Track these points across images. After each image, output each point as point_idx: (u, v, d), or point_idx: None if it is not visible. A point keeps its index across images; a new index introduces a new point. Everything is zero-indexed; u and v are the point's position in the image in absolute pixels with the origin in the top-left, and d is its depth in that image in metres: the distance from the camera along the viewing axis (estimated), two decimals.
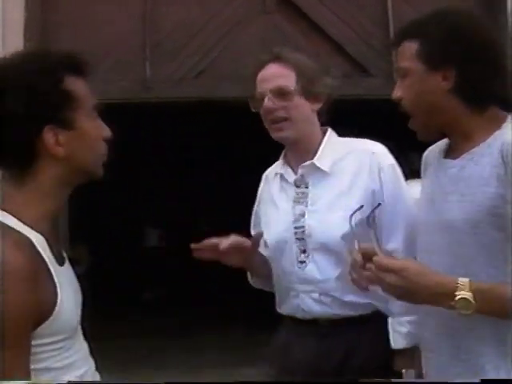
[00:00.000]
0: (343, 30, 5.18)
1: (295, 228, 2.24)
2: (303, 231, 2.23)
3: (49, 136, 1.47)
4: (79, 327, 1.58)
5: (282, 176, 2.34)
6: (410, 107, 1.79)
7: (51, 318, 1.42)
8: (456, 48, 1.71)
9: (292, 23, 5.17)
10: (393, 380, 1.94)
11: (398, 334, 2.20)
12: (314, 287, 2.22)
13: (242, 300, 6.28)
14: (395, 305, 2.16)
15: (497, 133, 1.70)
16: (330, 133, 2.34)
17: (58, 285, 1.45)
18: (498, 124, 1.71)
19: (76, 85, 1.53)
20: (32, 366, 1.42)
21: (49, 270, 1.45)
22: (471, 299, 1.55)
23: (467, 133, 1.75)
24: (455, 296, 1.56)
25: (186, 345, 6.70)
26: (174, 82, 5.03)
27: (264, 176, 2.48)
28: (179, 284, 9.10)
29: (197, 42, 5.08)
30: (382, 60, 5.08)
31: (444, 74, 1.72)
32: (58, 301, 1.44)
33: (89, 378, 1.56)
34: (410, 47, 1.76)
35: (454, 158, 1.77)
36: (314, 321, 2.25)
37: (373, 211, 1.87)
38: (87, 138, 1.53)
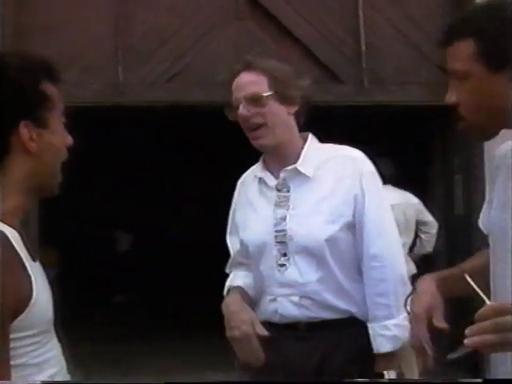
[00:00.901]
0: (314, 36, 5.23)
1: (276, 231, 2.25)
2: (284, 234, 2.24)
3: (24, 131, 1.52)
4: (52, 325, 1.59)
5: (261, 180, 2.35)
6: (471, 114, 1.60)
7: (26, 310, 1.45)
8: None
9: (264, 29, 5.21)
10: (393, 380, 1.94)
11: (383, 337, 2.22)
12: (294, 290, 2.23)
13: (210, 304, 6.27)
14: (377, 309, 2.21)
15: None
16: (312, 138, 2.36)
17: (33, 278, 1.48)
18: None
19: (51, 88, 1.58)
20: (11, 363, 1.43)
21: (23, 264, 1.48)
22: None
23: None
24: None
25: (156, 349, 6.68)
26: (146, 86, 5.04)
27: (239, 182, 2.47)
28: (151, 288, 9.08)
29: (169, 46, 5.10)
30: (352, 67, 5.15)
31: (511, 74, 1.54)
32: (34, 294, 1.46)
33: (61, 378, 1.57)
34: (466, 47, 1.57)
35: None
36: (290, 325, 2.26)
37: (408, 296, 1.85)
38: (57, 139, 1.59)
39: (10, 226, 1.50)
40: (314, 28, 5.24)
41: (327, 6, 5.28)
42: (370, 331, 2.22)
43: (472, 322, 1.25)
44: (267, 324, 2.27)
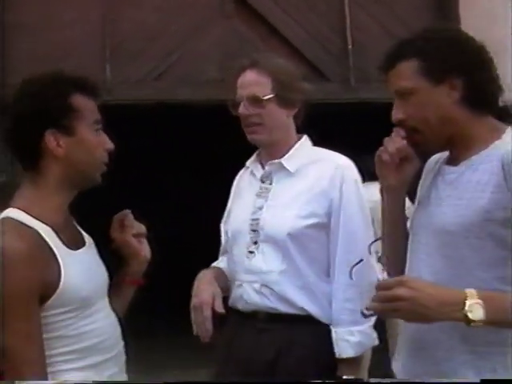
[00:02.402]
0: (301, 34, 5.26)
1: (251, 220, 2.32)
2: (257, 223, 2.31)
3: (50, 138, 1.79)
4: (103, 301, 1.90)
5: (251, 171, 2.43)
6: (422, 125, 1.79)
7: (58, 291, 1.73)
8: (458, 57, 1.76)
9: (251, 27, 5.23)
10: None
11: (346, 342, 2.25)
12: (257, 278, 2.29)
13: None
14: (343, 314, 2.24)
15: (497, 142, 1.75)
16: (305, 139, 2.42)
17: (62, 265, 1.74)
18: (497, 134, 1.77)
19: (81, 101, 1.83)
20: (46, 335, 1.72)
21: (54, 254, 1.75)
22: (482, 305, 1.54)
23: (469, 141, 1.79)
24: (465, 304, 1.54)
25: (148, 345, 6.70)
26: (134, 85, 5.05)
27: (239, 172, 2.55)
28: (151, 285, 9.06)
29: (156, 45, 5.11)
30: (338, 65, 5.18)
31: (451, 85, 1.76)
32: (62, 279, 1.73)
33: (104, 347, 1.85)
34: (409, 66, 1.78)
35: (455, 165, 1.82)
36: (253, 314, 2.31)
37: (374, 242, 1.98)
38: (85, 145, 1.83)
39: (45, 223, 1.77)
40: (300, 26, 5.27)
41: (314, 4, 5.31)
42: (334, 335, 2.26)
43: None
44: (234, 312, 2.35)
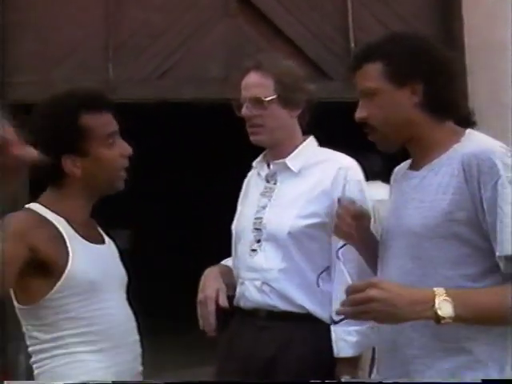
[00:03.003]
0: (304, 33, 5.27)
1: (255, 218, 2.35)
2: (260, 222, 2.34)
3: (67, 162, 1.95)
4: (117, 293, 2.04)
5: (257, 171, 2.46)
6: (380, 125, 1.87)
7: (66, 274, 1.89)
8: (421, 63, 1.83)
9: (254, 26, 5.23)
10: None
11: (345, 342, 2.26)
12: (258, 275, 2.32)
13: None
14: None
15: (456, 145, 1.82)
16: (311, 140, 2.45)
17: (70, 250, 1.91)
18: (456, 138, 1.84)
19: (90, 120, 1.95)
20: (61, 316, 1.90)
21: (64, 240, 1.92)
22: (451, 302, 1.60)
23: (429, 145, 1.86)
24: (434, 302, 1.60)
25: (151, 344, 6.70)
26: (137, 83, 5.05)
27: (248, 174, 2.57)
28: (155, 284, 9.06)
29: (160, 43, 5.12)
30: (341, 64, 5.19)
31: (412, 89, 1.83)
32: (69, 261, 1.90)
33: (114, 332, 1.96)
34: (374, 68, 1.86)
35: (417, 169, 1.89)
36: (254, 311, 2.33)
37: (341, 247, 2.01)
38: (101, 162, 1.97)
39: (61, 216, 1.95)
40: (303, 25, 5.27)
41: (317, 4, 5.31)
42: (333, 334, 2.27)
43: None
44: (237, 309, 2.38)
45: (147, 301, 8.76)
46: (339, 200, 2.07)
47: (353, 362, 2.29)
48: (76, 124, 1.93)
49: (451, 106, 1.87)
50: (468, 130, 1.87)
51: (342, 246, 1.99)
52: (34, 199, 2.06)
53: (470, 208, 1.73)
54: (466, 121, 1.91)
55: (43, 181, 2.03)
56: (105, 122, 1.99)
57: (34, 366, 1.99)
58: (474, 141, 1.82)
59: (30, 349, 2.01)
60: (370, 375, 2.47)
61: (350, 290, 1.64)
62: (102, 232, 2.13)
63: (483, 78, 4.99)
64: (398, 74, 1.84)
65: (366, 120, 1.89)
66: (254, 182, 2.47)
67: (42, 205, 1.98)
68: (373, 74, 1.86)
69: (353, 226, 1.98)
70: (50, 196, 2.02)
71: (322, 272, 1.96)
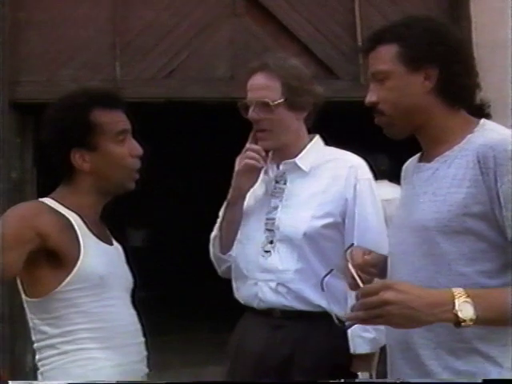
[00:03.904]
0: (311, 32, 5.26)
1: (267, 219, 2.34)
2: (273, 223, 2.33)
3: (76, 157, 1.98)
4: (124, 294, 2.04)
5: (265, 171, 2.43)
6: (391, 109, 1.80)
7: (77, 267, 1.90)
8: (436, 48, 1.75)
9: (261, 25, 5.23)
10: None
11: (362, 339, 2.27)
12: (273, 276, 2.30)
13: (213, 297, 6.29)
14: None
15: (470, 136, 1.74)
16: (318, 139, 2.44)
17: (82, 244, 1.92)
18: (470, 128, 1.77)
19: (101, 116, 1.98)
20: (72, 310, 1.90)
21: (76, 234, 1.93)
22: (472, 303, 1.51)
23: (441, 135, 1.79)
24: (454, 304, 1.51)
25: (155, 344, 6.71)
26: (144, 82, 5.06)
27: None
28: (168, 284, 9.06)
29: (166, 42, 5.12)
30: (348, 63, 5.18)
31: (426, 74, 1.76)
32: (81, 255, 1.91)
33: (121, 331, 1.96)
34: (389, 50, 1.78)
35: (428, 161, 1.82)
36: (268, 311, 2.32)
37: (349, 248, 1.94)
38: (110, 158, 1.99)
39: (73, 211, 1.97)
40: (310, 24, 5.26)
41: (324, 2, 5.30)
42: (349, 331, 2.23)
43: None
44: (248, 309, 2.37)
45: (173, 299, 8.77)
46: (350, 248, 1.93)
47: (369, 359, 2.30)
48: (86, 118, 1.95)
49: (466, 94, 1.79)
50: (482, 120, 1.79)
51: (349, 247, 1.97)
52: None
53: (485, 201, 1.65)
54: (480, 111, 1.83)
55: (55, 178, 2.06)
56: (115, 119, 2.01)
57: (40, 363, 1.97)
58: (489, 131, 1.74)
59: (36, 345, 1.98)
60: (377, 375, 2.47)
61: (362, 293, 1.53)
62: (110, 235, 2.13)
63: (491, 76, 4.97)
64: (413, 57, 1.76)
65: (376, 105, 1.82)
66: (261, 182, 2.44)
67: (53, 199, 2.00)
68: (386, 56, 1.79)
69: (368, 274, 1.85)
70: (61, 191, 2.03)
71: (325, 275, 1.95)
